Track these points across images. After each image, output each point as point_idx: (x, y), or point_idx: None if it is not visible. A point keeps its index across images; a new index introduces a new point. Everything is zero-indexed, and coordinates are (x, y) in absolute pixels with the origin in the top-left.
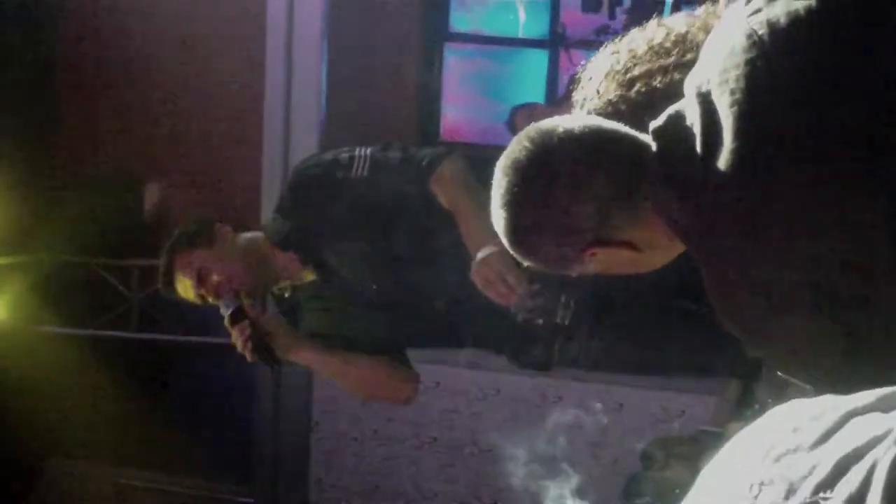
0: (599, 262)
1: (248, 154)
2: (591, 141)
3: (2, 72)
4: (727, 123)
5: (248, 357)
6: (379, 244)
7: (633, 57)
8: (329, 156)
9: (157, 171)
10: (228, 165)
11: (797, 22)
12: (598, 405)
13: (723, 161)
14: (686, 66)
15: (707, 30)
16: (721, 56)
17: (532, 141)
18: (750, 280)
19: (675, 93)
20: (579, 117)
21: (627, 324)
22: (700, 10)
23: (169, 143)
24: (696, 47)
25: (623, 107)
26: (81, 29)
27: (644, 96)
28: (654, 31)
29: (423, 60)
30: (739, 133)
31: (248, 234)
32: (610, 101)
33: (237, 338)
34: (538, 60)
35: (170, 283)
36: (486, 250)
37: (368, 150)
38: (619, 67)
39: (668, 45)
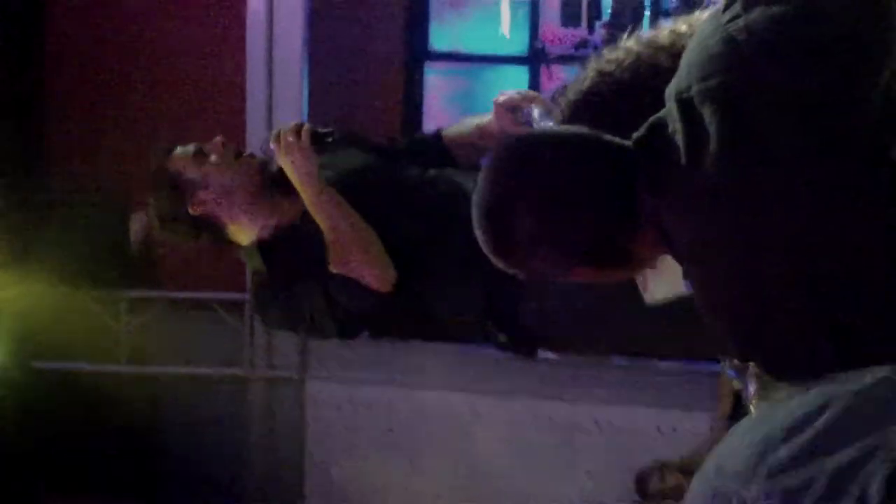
0: (585, 274)
1: None
2: (587, 153)
3: None
4: (711, 129)
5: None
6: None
7: (619, 89)
8: None
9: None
10: None
11: (774, 26)
12: (590, 425)
13: (709, 166)
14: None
15: None
16: (700, 63)
17: (521, 149)
18: (740, 284)
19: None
20: (566, 127)
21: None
22: (684, 21)
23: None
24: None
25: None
26: (68, 50)
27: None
28: (644, 57)
29: (404, 80)
30: (724, 139)
31: None
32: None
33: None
34: (518, 77)
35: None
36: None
37: None
38: (599, 92)
39: (652, 81)
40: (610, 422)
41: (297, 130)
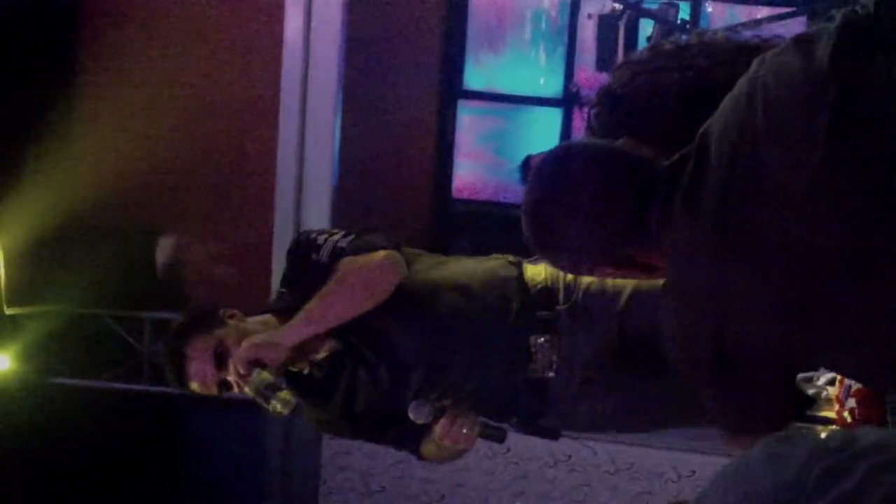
0: (612, 273)
1: (261, 207)
2: (614, 172)
3: (19, 123)
4: (711, 175)
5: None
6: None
7: (655, 53)
8: (314, 234)
9: (170, 222)
10: (241, 218)
11: (788, 82)
12: (609, 465)
13: (704, 205)
14: (693, 69)
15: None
16: (727, 107)
17: (560, 159)
18: (708, 322)
19: (670, 89)
20: (605, 142)
21: (646, 375)
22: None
23: (182, 195)
24: (713, 56)
25: (620, 91)
26: (97, 77)
27: (647, 85)
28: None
29: (437, 118)
30: (717, 184)
31: (259, 316)
32: (613, 87)
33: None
34: (552, 119)
35: (183, 377)
36: (259, 337)
37: (337, 236)
38: (637, 59)
39: (690, 49)
40: (630, 463)
41: None
